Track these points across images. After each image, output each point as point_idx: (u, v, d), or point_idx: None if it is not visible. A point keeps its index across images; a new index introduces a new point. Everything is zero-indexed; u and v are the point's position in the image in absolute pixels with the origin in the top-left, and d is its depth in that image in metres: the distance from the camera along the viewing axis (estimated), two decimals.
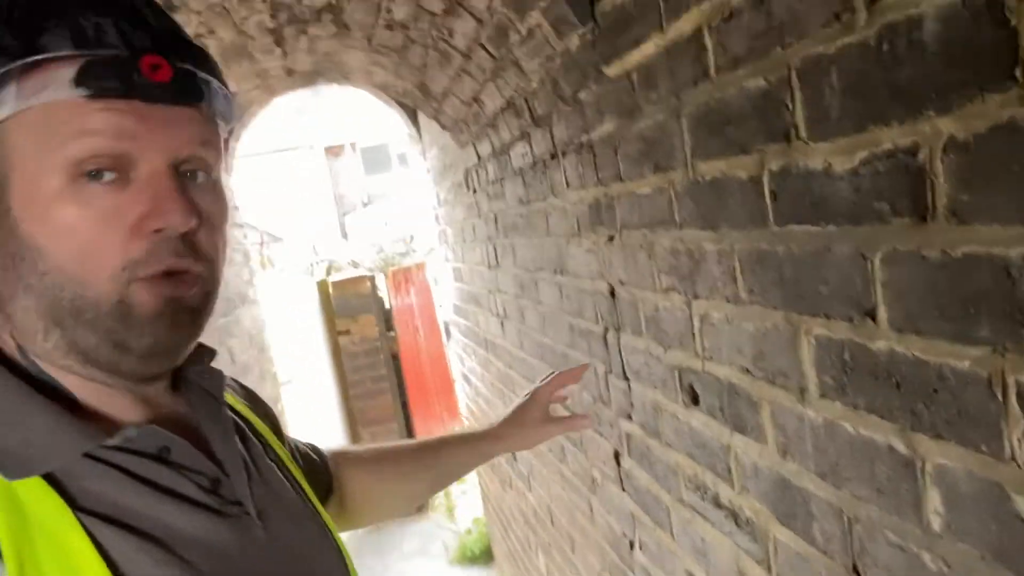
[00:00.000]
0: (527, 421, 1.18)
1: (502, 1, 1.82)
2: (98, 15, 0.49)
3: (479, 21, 2.05)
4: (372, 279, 7.38)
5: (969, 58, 0.69)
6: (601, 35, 1.56)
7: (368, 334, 7.20)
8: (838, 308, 0.95)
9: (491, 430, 1.19)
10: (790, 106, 0.97)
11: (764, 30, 0.99)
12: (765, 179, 1.06)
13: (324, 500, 0.90)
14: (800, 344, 1.06)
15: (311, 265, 11.49)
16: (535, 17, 1.77)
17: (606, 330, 1.95)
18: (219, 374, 0.69)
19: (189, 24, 2.09)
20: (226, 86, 0.59)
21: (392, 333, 7.58)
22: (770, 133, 1.03)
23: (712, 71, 1.15)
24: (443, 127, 3.50)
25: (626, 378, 1.86)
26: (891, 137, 0.80)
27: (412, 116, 4.97)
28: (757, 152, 1.07)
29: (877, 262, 0.87)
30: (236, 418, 0.71)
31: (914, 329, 0.83)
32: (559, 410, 1.29)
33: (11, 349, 0.57)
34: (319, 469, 0.95)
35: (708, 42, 1.14)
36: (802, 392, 1.08)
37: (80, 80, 0.48)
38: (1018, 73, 0.64)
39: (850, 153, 0.87)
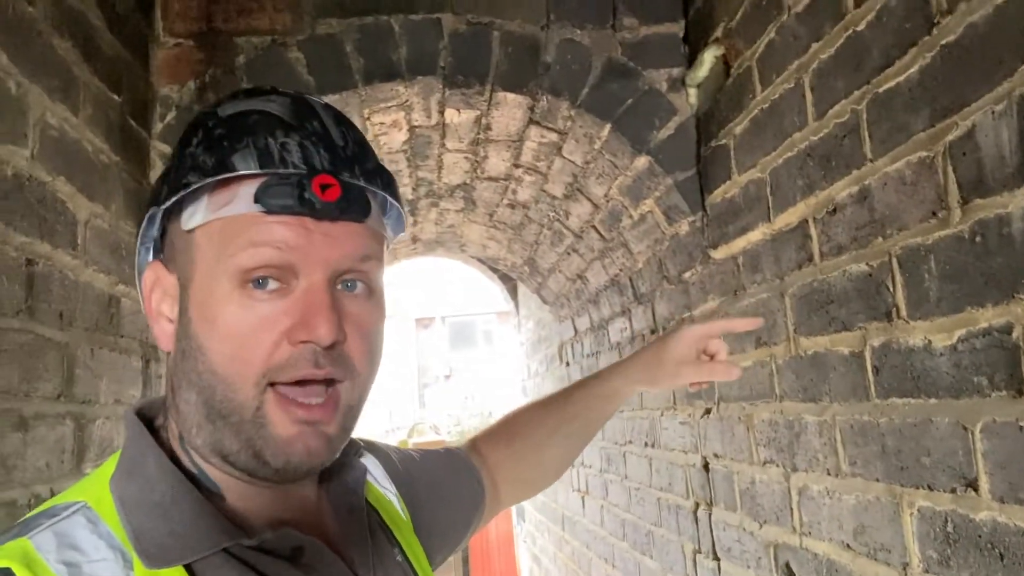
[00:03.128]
0: (664, 356, 0.97)
1: (619, 190, 2.06)
2: (286, 135, 0.54)
3: (595, 206, 2.30)
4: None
5: None
6: (710, 222, 1.74)
7: None
8: (940, 479, 1.00)
9: (614, 365, 1.02)
10: (891, 288, 1.08)
11: (866, 223, 1.13)
12: (867, 354, 1.15)
13: (481, 498, 0.89)
14: (903, 517, 1.08)
15: (386, 431, 11.57)
16: (648, 204, 1.98)
17: (697, 505, 1.95)
18: (362, 468, 0.69)
19: None
20: (399, 201, 0.62)
21: None
22: (872, 312, 1.13)
23: (816, 256, 1.28)
24: (544, 301, 3.72)
25: (716, 558, 1.83)
26: (986, 317, 0.90)
27: (512, 290, 5.28)
28: (859, 329, 1.16)
29: (978, 433, 0.92)
30: (371, 510, 0.70)
31: (1015, 499, 0.87)
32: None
33: (174, 437, 0.59)
34: (466, 471, 0.90)
35: (813, 232, 1.29)
36: (905, 568, 1.09)
37: (259, 197, 0.53)
38: None
39: (949, 331, 0.96)
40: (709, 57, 1.70)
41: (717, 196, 1.69)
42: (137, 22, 1.60)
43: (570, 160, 2.13)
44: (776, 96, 1.38)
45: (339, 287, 0.56)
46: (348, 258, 0.55)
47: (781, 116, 1.37)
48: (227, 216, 0.54)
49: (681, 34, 1.84)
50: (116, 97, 1.46)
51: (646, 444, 2.40)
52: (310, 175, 0.53)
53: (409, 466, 0.83)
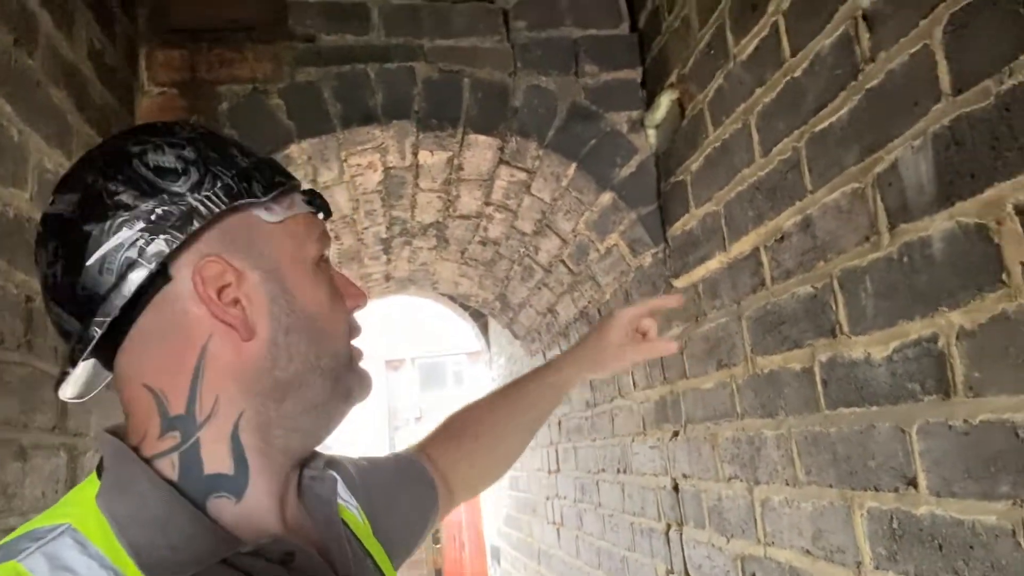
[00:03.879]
0: (605, 342, 1.04)
1: (586, 225, 2.16)
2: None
3: (564, 241, 2.40)
4: None
5: (968, 267, 0.91)
6: (672, 253, 1.85)
7: None
8: (885, 480, 1.09)
9: (561, 356, 1.07)
10: (834, 307, 1.18)
11: (810, 248, 1.24)
12: (816, 369, 1.25)
13: (434, 500, 0.93)
14: (854, 518, 1.17)
15: None
16: (613, 238, 2.09)
17: (668, 527, 2.02)
18: (332, 480, 0.73)
19: None
20: None
21: (438, 545, 7.40)
22: (818, 330, 1.23)
23: (768, 281, 1.39)
24: (515, 336, 3.80)
25: None
26: (916, 329, 1.00)
27: (483, 327, 5.36)
28: (808, 346, 1.27)
29: (914, 435, 1.02)
30: (342, 521, 0.73)
31: (949, 492, 0.96)
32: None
33: (167, 467, 0.60)
34: (417, 474, 0.94)
35: (764, 259, 1.40)
36: (859, 567, 1.17)
37: (310, 201, 0.69)
38: (1004, 277, 0.85)
39: (885, 343, 1.07)
40: (665, 101, 1.83)
41: (677, 229, 1.80)
42: (124, 73, 1.68)
43: (539, 197, 2.24)
44: (727, 136, 1.51)
45: None
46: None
47: (731, 154, 1.49)
48: (296, 214, 0.66)
49: (639, 79, 1.97)
50: None
51: (618, 471, 2.47)
52: (308, 188, 0.69)
53: (364, 476, 0.87)
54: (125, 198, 0.58)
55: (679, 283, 1.82)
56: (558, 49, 1.97)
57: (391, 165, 2.14)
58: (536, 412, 1.06)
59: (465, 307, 5.01)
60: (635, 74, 1.98)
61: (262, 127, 1.79)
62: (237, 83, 1.81)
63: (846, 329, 1.16)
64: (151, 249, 0.58)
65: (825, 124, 1.17)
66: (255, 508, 0.63)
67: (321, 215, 0.70)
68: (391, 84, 1.87)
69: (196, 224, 0.59)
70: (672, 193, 1.82)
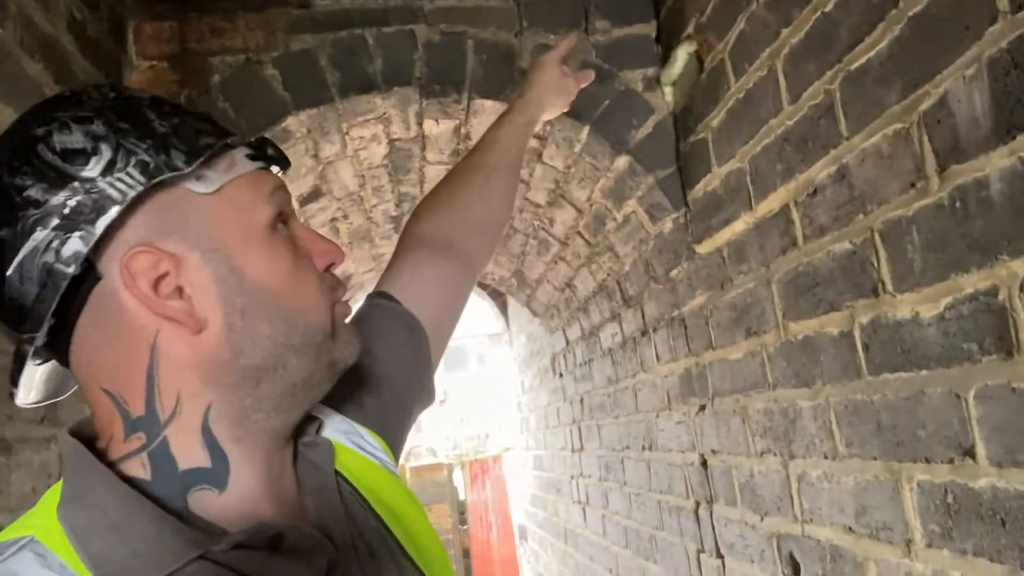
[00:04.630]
0: (546, 81, 1.18)
1: (601, 192, 2.06)
2: (199, 118, 0.61)
3: (579, 211, 2.30)
4: (449, 468, 7.37)
5: None
6: (693, 218, 1.75)
7: (442, 525, 7.05)
8: (937, 450, 0.99)
9: (516, 98, 1.15)
10: (875, 264, 1.08)
11: (847, 201, 1.13)
12: (856, 332, 1.14)
13: (418, 336, 0.85)
14: (902, 493, 1.08)
15: None
16: (631, 205, 1.98)
17: (697, 504, 1.94)
18: (326, 444, 0.68)
19: (328, 210, 2.43)
20: None
21: (465, 527, 7.40)
22: (858, 290, 1.13)
23: (800, 240, 1.28)
24: (534, 314, 3.72)
25: (720, 555, 1.81)
26: (972, 282, 0.90)
27: (502, 306, 5.28)
28: (847, 308, 1.16)
29: (971, 400, 0.92)
30: (346, 484, 0.69)
31: (1013, 462, 0.86)
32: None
33: (138, 467, 0.56)
34: (392, 327, 0.84)
35: (795, 216, 1.29)
36: (908, 544, 1.07)
37: (255, 156, 0.60)
38: None
39: (935, 300, 0.96)
40: (682, 54, 1.71)
41: (699, 191, 1.69)
42: (110, 46, 1.60)
43: (551, 166, 2.14)
44: (750, 85, 1.39)
45: None
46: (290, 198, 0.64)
47: (756, 104, 1.38)
48: (236, 176, 0.58)
49: (653, 34, 1.85)
50: None
51: (643, 448, 2.39)
52: (257, 139, 0.62)
53: (351, 380, 0.76)
54: (34, 193, 0.52)
55: (702, 248, 1.72)
56: (566, 5, 1.85)
57: (396, 137, 2.05)
58: (515, 153, 1.07)
59: (483, 286, 4.93)
60: (649, 28, 1.86)
61: (257, 99, 1.71)
62: (229, 54, 1.72)
63: (890, 287, 1.06)
64: (67, 250, 0.52)
65: (862, 61, 1.06)
66: (242, 496, 0.59)
67: (276, 168, 0.62)
68: (390, 49, 1.77)
69: (112, 213, 0.52)
70: (692, 153, 1.71)
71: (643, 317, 2.25)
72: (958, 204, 0.91)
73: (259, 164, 0.60)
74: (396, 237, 3.01)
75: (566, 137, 1.92)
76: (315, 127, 1.81)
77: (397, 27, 1.78)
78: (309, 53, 1.74)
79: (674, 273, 1.92)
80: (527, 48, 1.83)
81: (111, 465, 0.56)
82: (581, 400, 3.25)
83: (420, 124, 1.98)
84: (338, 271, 3.21)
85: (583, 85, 1.26)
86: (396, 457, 0.79)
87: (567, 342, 3.38)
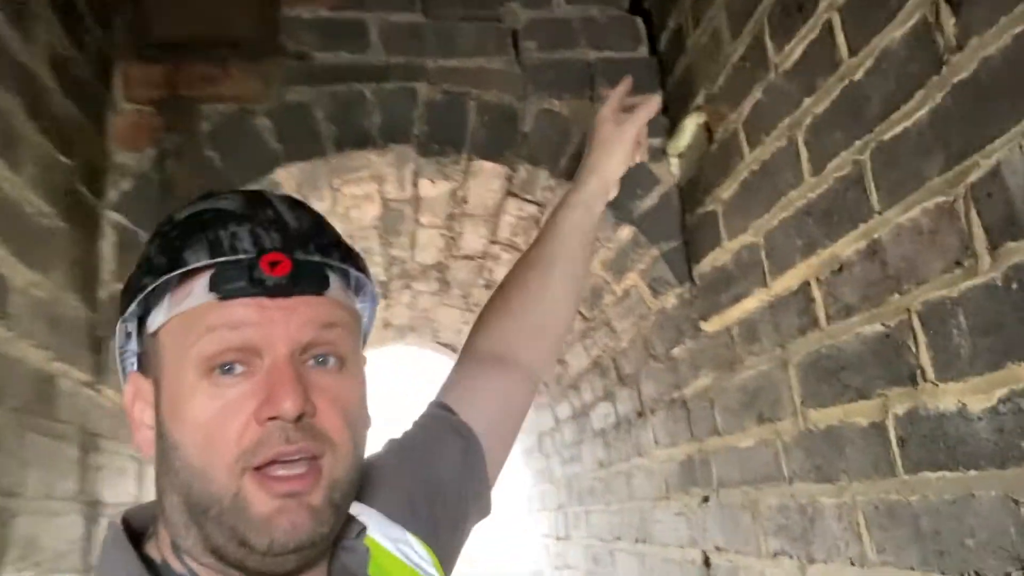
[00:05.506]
0: (604, 140, 1.15)
1: (601, 264, 1.98)
2: (238, 225, 0.55)
3: None
4: None
5: None
6: (699, 293, 1.66)
7: None
8: (989, 563, 0.87)
9: (577, 175, 1.14)
10: (913, 348, 0.98)
11: (878, 279, 1.04)
12: (890, 424, 1.04)
13: (476, 453, 0.82)
14: None
15: None
16: (632, 278, 1.90)
17: None
18: (363, 550, 0.64)
19: None
20: (363, 271, 0.63)
21: None
22: (892, 377, 1.03)
23: (822, 320, 1.19)
24: None
25: None
26: None
27: None
28: (878, 397, 1.06)
29: None
30: None
31: None
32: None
33: (165, 545, 0.58)
34: (448, 440, 0.82)
35: (816, 294, 1.20)
36: None
37: (212, 285, 0.54)
38: None
39: (987, 392, 0.86)
40: (691, 125, 1.66)
41: (706, 265, 1.61)
42: (94, 86, 1.52)
43: None
44: (767, 156, 1.33)
45: (310, 363, 0.56)
46: (309, 327, 0.55)
47: (774, 176, 1.31)
48: (186, 310, 0.54)
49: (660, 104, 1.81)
50: (66, 160, 1.36)
51: (637, 540, 2.22)
52: (258, 256, 0.54)
53: (405, 489, 0.76)
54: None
55: (709, 326, 1.62)
56: (572, 71, 1.81)
57: (389, 197, 1.97)
58: (575, 239, 1.02)
59: None
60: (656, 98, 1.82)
61: (247, 149, 1.62)
62: (221, 102, 1.65)
63: (931, 375, 0.95)
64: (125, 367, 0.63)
65: (897, 130, 0.99)
66: None
67: (244, 296, 0.54)
68: (390, 105, 1.71)
69: (120, 354, 0.62)
70: (699, 226, 1.63)
71: (640, 397, 2.13)
72: (1014, 285, 0.82)
73: (215, 296, 0.54)
74: (383, 303, 2.90)
75: None
76: (305, 181, 1.73)
77: (397, 84, 1.72)
78: (304, 106, 1.68)
79: (676, 351, 1.82)
80: (530, 112, 1.77)
81: (145, 554, 0.58)
82: (569, 483, 3.09)
83: (415, 184, 1.90)
84: None
85: (647, 117, 1.24)
86: (447, 571, 0.76)
87: (556, 421, 3.24)
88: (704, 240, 1.61)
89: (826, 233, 1.16)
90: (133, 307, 0.57)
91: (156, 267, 0.55)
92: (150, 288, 0.55)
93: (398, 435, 0.84)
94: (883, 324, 1.04)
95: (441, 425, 0.83)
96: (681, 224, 1.73)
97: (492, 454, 0.85)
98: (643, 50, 1.86)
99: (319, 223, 0.61)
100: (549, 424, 3.36)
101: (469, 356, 0.91)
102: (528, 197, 1.89)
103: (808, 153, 1.19)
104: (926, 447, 0.97)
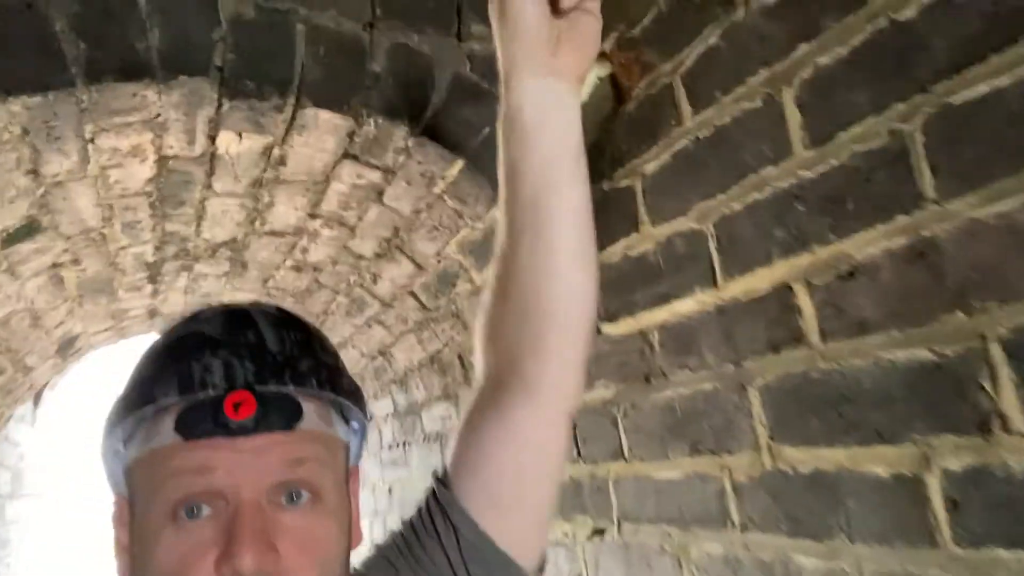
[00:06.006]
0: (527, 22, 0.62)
1: (460, 246, 1.60)
2: (213, 354, 0.54)
3: (419, 267, 1.80)
4: None
5: None
6: (601, 289, 1.34)
7: None
8: None
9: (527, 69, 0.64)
10: (989, 388, 0.73)
11: (927, 291, 0.78)
12: (933, 480, 0.79)
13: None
14: None
15: None
16: None
17: None
18: None
19: (48, 252, 1.66)
20: (348, 393, 0.58)
21: None
22: (944, 421, 0.78)
23: (812, 336, 0.92)
24: None
25: None
26: None
27: None
28: (914, 444, 0.81)
29: None
30: None
31: None
32: None
33: None
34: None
35: (802, 302, 0.93)
36: None
37: (177, 426, 0.52)
38: None
39: None
40: (590, 78, 1.33)
41: (613, 254, 1.30)
42: None
43: (393, 209, 1.62)
44: (724, 120, 1.03)
45: (282, 501, 0.53)
46: (275, 469, 0.53)
47: (736, 147, 1.01)
48: (155, 448, 0.54)
49: None
50: None
51: None
52: (227, 392, 0.53)
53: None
54: None
55: (614, 329, 1.31)
56: None
57: (171, 153, 1.41)
58: (564, 161, 0.65)
59: None
60: None
61: None
62: None
63: (1017, 424, 0.71)
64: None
65: (977, 91, 0.72)
66: None
67: (242, 433, 0.51)
68: (176, 18, 1.17)
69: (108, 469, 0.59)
70: (606, 205, 1.31)
71: None
72: None
73: (179, 437, 0.52)
74: (149, 288, 2.26)
75: (426, 172, 1.43)
76: (37, 126, 1.14)
77: None
78: (35, 9, 1.08)
79: None
80: (381, 47, 1.32)
81: None
82: (390, 490, 2.69)
83: (212, 137, 1.37)
84: (62, 331, 2.36)
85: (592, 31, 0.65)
86: None
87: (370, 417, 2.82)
88: (612, 223, 1.29)
89: (830, 226, 0.88)
90: (117, 430, 0.56)
91: (131, 401, 0.55)
92: (125, 420, 0.55)
93: (400, 524, 0.70)
94: (933, 351, 0.78)
95: (432, 511, 0.67)
96: None
97: (504, 522, 0.64)
98: None
99: (304, 343, 0.58)
100: None
101: (472, 391, 0.69)
102: (373, 161, 1.45)
103: (803, 118, 0.91)
104: (995, 518, 0.73)
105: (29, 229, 1.52)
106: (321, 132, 1.35)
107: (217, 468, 0.51)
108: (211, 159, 1.46)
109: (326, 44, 1.28)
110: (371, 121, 1.31)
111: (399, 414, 2.52)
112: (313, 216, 1.77)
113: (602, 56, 1.30)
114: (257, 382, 0.53)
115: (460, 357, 1.95)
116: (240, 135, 1.36)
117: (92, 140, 1.27)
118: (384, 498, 2.75)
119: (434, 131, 1.33)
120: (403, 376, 2.39)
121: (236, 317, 0.57)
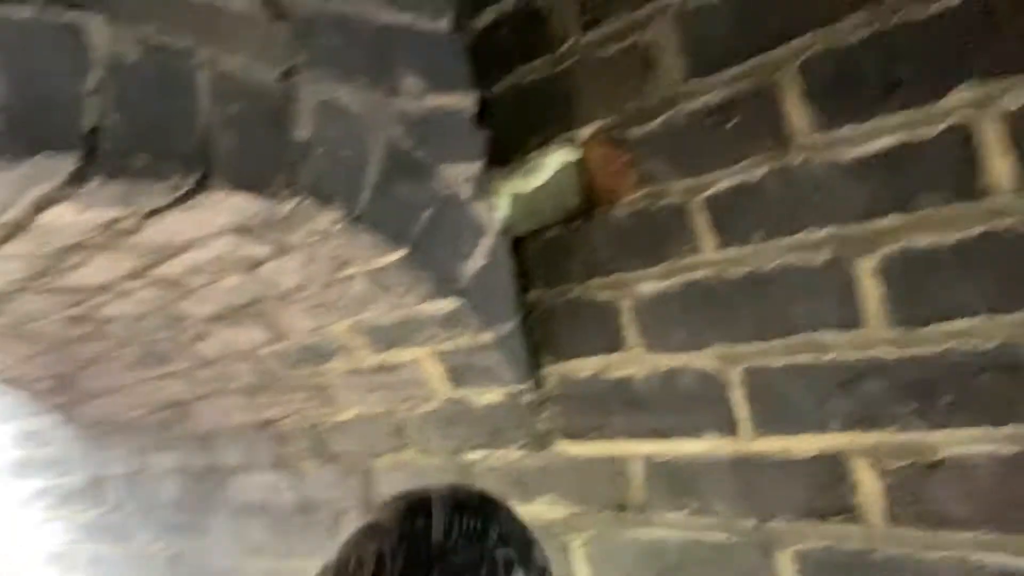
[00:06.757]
0: None
1: (352, 327, 1.31)
2: None
3: (278, 336, 1.46)
4: None
5: None
6: (561, 405, 1.19)
7: None
8: None
9: None
10: None
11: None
12: None
13: None
14: None
15: None
16: (414, 352, 1.30)
17: None
18: None
19: None
20: None
21: None
22: None
23: (873, 517, 0.88)
24: (67, 419, 2.47)
25: None
26: None
27: None
28: None
29: None
30: None
31: None
32: None
33: None
34: None
35: (862, 477, 0.89)
36: None
37: None
38: None
39: None
40: (553, 161, 1.15)
41: (582, 369, 1.15)
42: None
43: (265, 281, 1.28)
44: (767, 266, 0.94)
45: None
46: None
47: (781, 299, 0.93)
48: None
49: (477, 108, 1.22)
50: None
51: None
52: None
53: None
54: None
55: (573, 448, 1.18)
56: (364, 41, 1.08)
57: None
58: None
59: None
60: (465, 101, 1.22)
61: None
62: None
63: None
64: None
65: None
66: None
67: None
68: (22, 60, 0.74)
69: None
70: (573, 313, 1.15)
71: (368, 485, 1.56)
72: None
73: None
74: None
75: (344, 257, 1.13)
76: None
77: (47, 15, 0.75)
78: None
79: (476, 455, 1.32)
80: (306, 106, 0.99)
81: None
82: (173, 557, 2.25)
83: (38, 210, 0.92)
84: None
85: None
86: None
87: (143, 467, 2.32)
88: (581, 335, 1.14)
89: (916, 410, 0.84)
90: None
91: None
92: None
93: None
94: None
95: None
96: (519, 299, 1.21)
97: None
98: (444, 22, 1.22)
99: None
100: (125, 468, 2.40)
101: None
102: (269, 238, 1.10)
103: (887, 291, 0.85)
104: None
105: None
106: (215, 212, 0.98)
107: None
108: (15, 228, 0.99)
109: (239, 100, 0.92)
110: (293, 201, 0.99)
111: (195, 475, 2.10)
112: (136, 276, 1.32)
113: (571, 142, 1.13)
114: None
115: (320, 433, 1.65)
116: (87, 209, 0.93)
117: None
118: (163, 567, 2.30)
119: (370, 215, 1.05)
120: (205, 435, 1.98)
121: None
